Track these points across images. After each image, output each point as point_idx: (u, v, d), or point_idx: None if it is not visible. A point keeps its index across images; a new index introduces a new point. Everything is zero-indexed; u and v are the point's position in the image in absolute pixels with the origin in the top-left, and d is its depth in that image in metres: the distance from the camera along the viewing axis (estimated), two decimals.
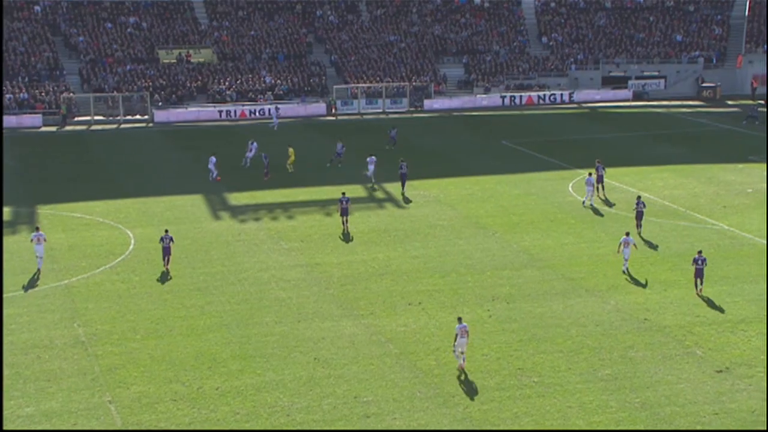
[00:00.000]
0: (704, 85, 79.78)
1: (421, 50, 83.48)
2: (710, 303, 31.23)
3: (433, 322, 29.99)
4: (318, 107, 74.03)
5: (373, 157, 48.59)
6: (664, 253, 36.69)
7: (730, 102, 77.50)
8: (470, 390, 25.36)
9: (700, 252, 32.72)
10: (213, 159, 49.79)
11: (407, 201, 45.05)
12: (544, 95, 77.49)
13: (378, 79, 78.71)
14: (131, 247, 38.18)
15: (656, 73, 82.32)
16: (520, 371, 26.43)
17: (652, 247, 37.37)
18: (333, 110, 73.72)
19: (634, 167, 51.83)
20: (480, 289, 32.95)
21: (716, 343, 28.03)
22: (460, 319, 26.82)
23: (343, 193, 40.67)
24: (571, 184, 48.55)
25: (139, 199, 46.15)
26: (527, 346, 28.02)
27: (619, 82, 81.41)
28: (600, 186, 44.52)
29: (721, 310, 30.58)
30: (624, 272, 34.06)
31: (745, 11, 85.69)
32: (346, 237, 39.05)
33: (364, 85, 77.08)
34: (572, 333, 28.95)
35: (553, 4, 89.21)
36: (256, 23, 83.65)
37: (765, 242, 37.74)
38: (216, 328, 29.66)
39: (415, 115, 71.80)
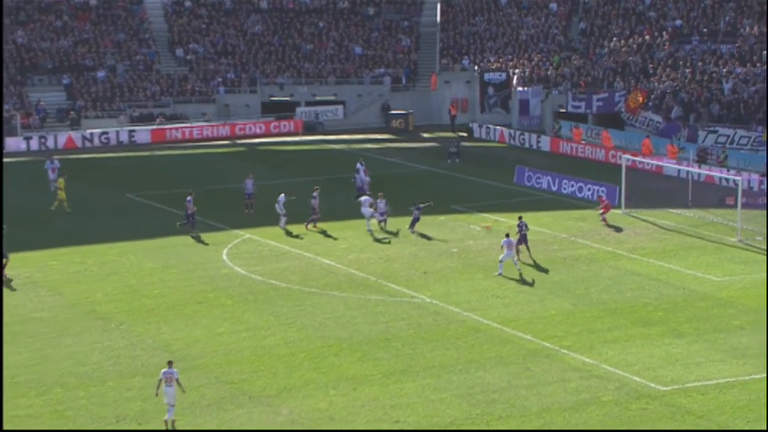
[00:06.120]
0: (393, 112, 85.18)
1: None
2: (411, 404, 33.08)
3: None
4: None
5: None
6: (351, 339, 38.39)
7: (425, 134, 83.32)
8: None
9: (520, 217, 48.43)
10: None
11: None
12: (91, 134, 77.47)
13: None
14: None
15: (332, 98, 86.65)
16: None
17: (335, 332, 39.08)
18: None
19: (294, 225, 53.84)
20: (99, 408, 32.56)
21: None
22: (170, 363, 31.52)
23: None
24: (225, 251, 49.52)
25: None
26: None
27: (284, 110, 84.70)
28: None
29: (425, 412, 32.38)
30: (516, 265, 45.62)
31: (436, 16, 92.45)
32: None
33: None
34: None
35: (188, 3, 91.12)
36: None
37: (478, 317, 40.95)
38: None
39: None
